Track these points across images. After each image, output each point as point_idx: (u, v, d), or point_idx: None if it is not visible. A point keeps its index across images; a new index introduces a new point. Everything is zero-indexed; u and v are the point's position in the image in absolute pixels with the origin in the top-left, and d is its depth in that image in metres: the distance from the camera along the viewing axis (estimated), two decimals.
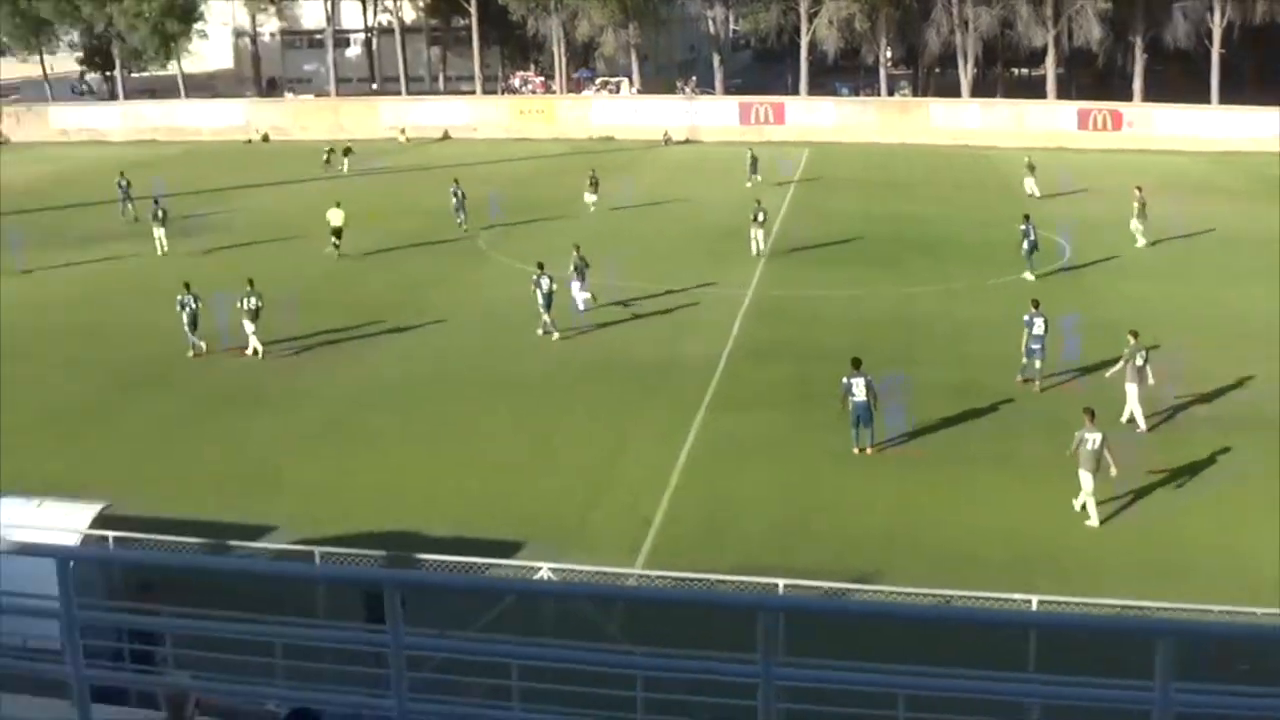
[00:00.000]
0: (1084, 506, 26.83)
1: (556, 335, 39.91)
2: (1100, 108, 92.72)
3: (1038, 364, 35.29)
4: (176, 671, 17.23)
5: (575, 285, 42.47)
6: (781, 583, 20.22)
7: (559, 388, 35.21)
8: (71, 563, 8.46)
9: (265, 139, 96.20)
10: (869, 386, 30.25)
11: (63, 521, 21.33)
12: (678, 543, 25.92)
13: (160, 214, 53.88)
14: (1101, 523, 26.51)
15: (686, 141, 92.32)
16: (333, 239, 53.06)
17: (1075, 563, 24.98)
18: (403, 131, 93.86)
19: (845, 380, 30.54)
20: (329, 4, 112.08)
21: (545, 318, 40.07)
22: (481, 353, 38.47)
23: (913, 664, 15.34)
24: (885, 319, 42.17)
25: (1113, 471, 26.61)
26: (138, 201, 59.82)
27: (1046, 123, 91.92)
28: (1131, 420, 31.97)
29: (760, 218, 53.06)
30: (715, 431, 31.90)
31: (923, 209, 63.51)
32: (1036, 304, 36.10)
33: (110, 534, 21.93)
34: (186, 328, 38.46)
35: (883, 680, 15.70)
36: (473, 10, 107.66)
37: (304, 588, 20.88)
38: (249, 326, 38.22)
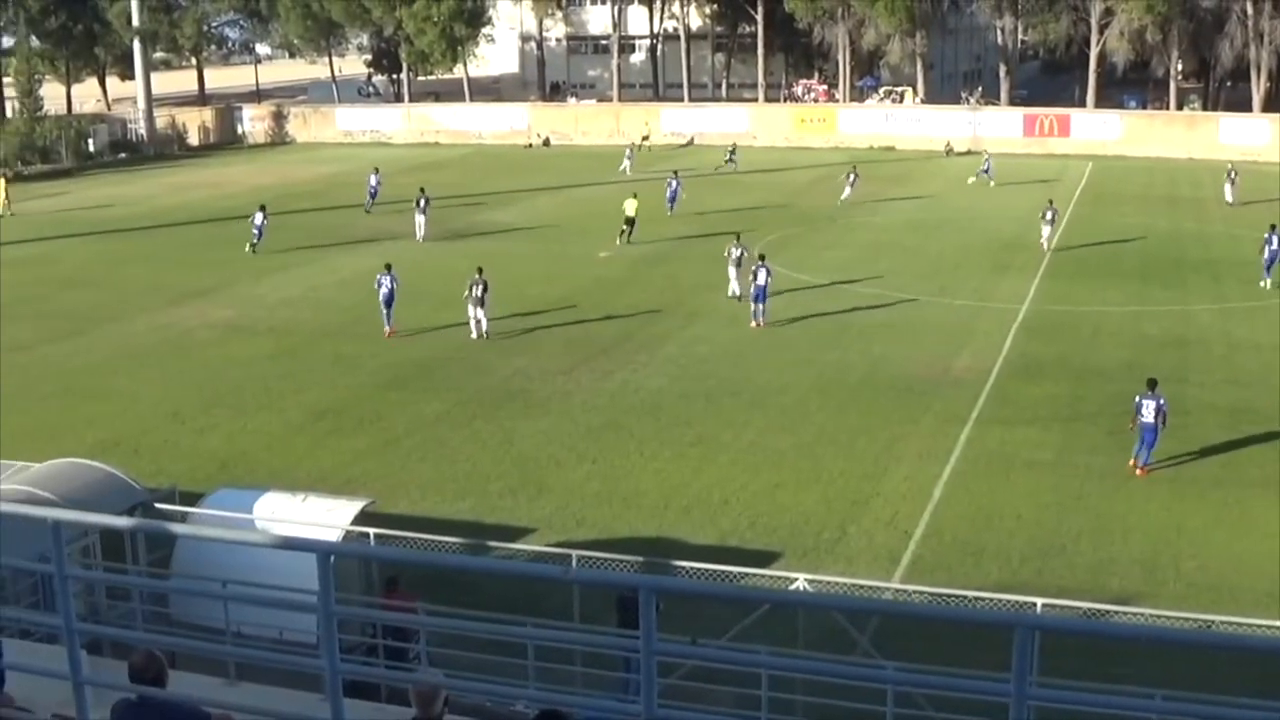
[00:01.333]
0: None
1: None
2: None
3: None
4: (428, 669, 17.81)
5: (733, 272, 45.25)
6: (1040, 601, 19.98)
7: (825, 399, 35.20)
8: (332, 558, 8.61)
9: (546, 143, 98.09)
10: (1159, 410, 29.66)
11: (326, 517, 21.72)
12: (937, 558, 25.80)
13: (423, 202, 57.10)
14: None
15: (969, 153, 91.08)
16: (624, 227, 55.69)
17: None
18: (645, 139, 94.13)
19: (1137, 399, 30.04)
20: (615, 9, 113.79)
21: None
22: (749, 362, 38.65)
23: (1168, 689, 15.19)
24: (1161, 337, 41.15)
25: None
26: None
27: None
28: None
29: (1050, 216, 54.12)
30: (981, 447, 31.58)
31: (1206, 226, 61.64)
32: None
33: (371, 530, 22.39)
34: (382, 306, 41.16)
35: (1140, 705, 15.54)
36: (759, 17, 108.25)
37: (559, 590, 21.44)
38: (473, 311, 40.74)
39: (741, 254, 45.39)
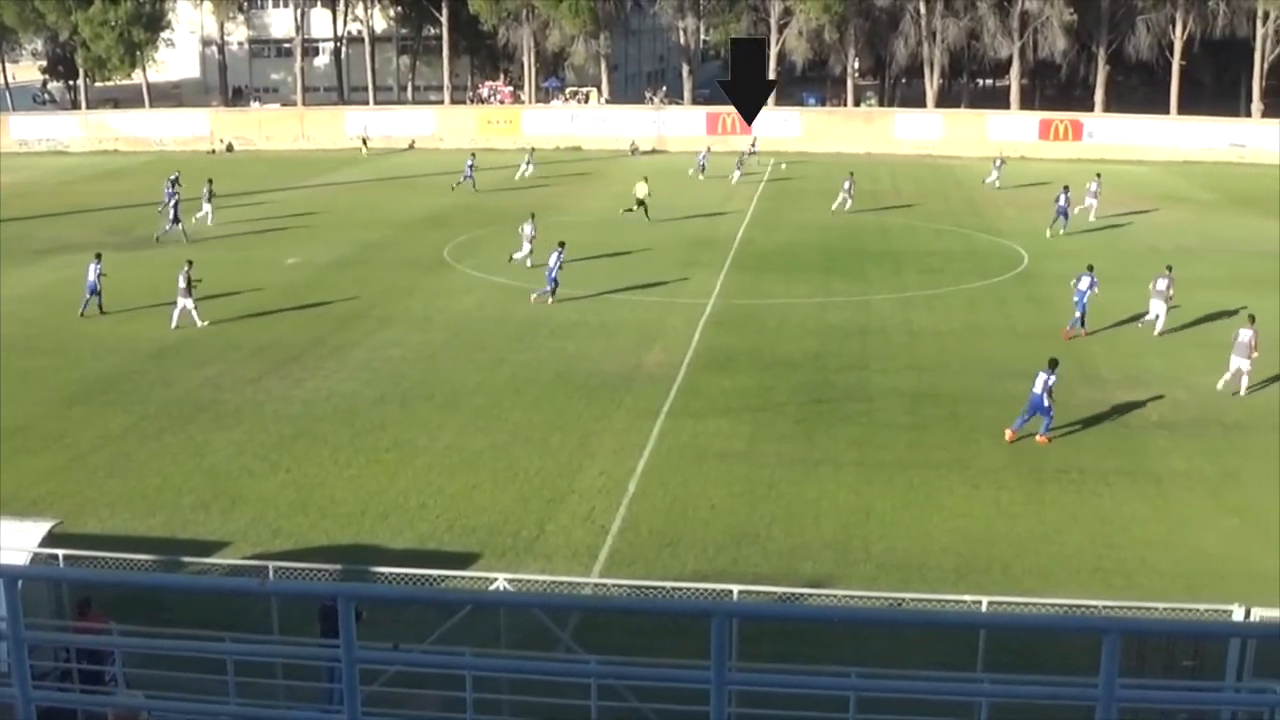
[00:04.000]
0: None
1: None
2: (1061, 118, 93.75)
3: (1077, 314, 41.25)
4: (127, 691, 17.26)
5: (526, 246, 50.87)
6: (736, 589, 20.38)
7: (519, 398, 35.26)
8: (19, 582, 8.43)
9: (229, 149, 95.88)
10: (1047, 385, 31.45)
11: (10, 540, 20.79)
12: (634, 550, 26.10)
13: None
14: (1049, 526, 26.94)
15: (654, 151, 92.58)
16: (632, 207, 61.19)
17: (1025, 566, 25.34)
18: (364, 142, 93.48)
19: (1036, 373, 31.95)
20: (298, 12, 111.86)
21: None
22: (443, 364, 38.48)
23: (865, 666, 15.69)
24: (845, 327, 42.54)
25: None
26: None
27: (1008, 133, 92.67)
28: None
29: (848, 185, 64.49)
30: (674, 440, 32.07)
31: (884, 219, 63.99)
32: (1091, 267, 42.29)
33: (60, 552, 21.63)
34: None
35: (834, 683, 16.00)
36: (444, 19, 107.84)
37: (257, 603, 21.02)
38: (183, 301, 41.91)
39: (532, 232, 50.93)
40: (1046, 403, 31.67)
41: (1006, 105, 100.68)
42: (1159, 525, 27.34)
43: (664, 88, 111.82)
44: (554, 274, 44.96)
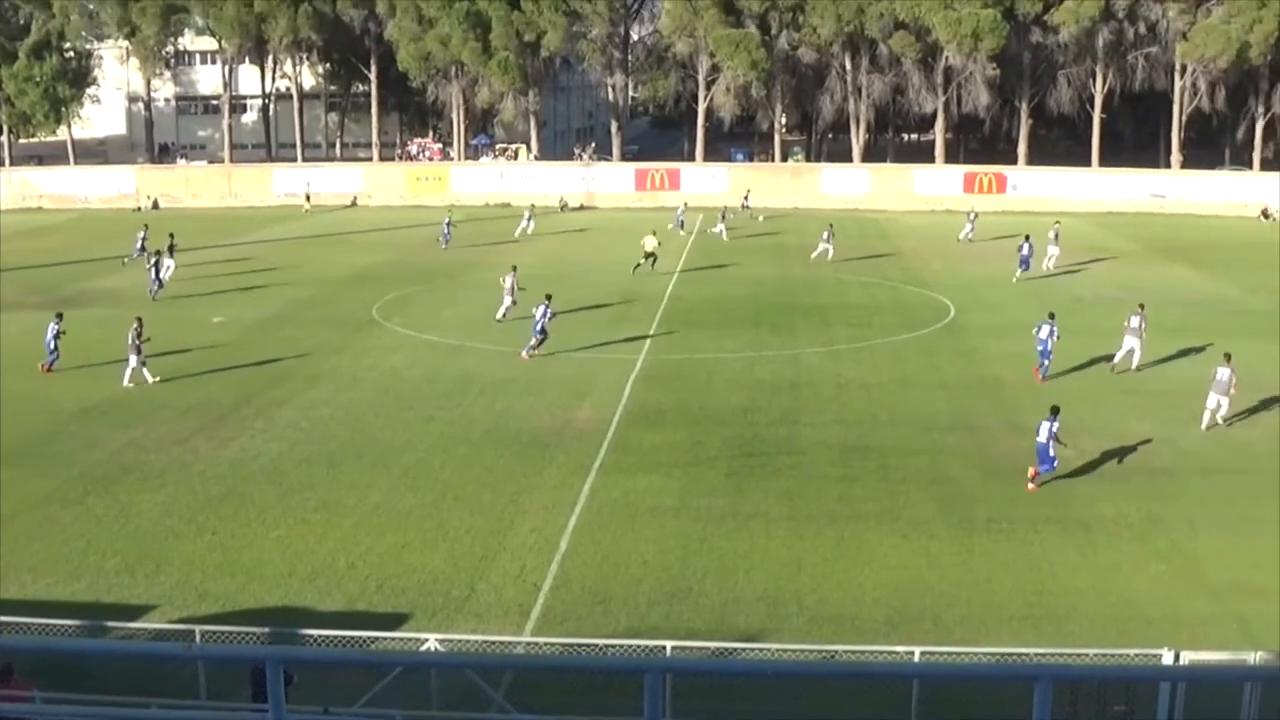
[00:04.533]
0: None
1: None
2: (986, 171, 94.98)
3: (1045, 361, 42.37)
4: None
5: (507, 299, 51.14)
6: (669, 644, 20.33)
7: (449, 456, 35.06)
8: None
9: (155, 205, 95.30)
10: (1051, 433, 32.01)
11: None
12: (566, 608, 25.94)
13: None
14: (979, 575, 27.06)
15: (582, 208, 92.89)
16: (641, 260, 61.79)
17: (956, 616, 25.40)
18: (307, 199, 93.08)
19: (1039, 423, 32.66)
20: (226, 69, 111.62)
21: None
22: (371, 422, 38.24)
23: None
24: (774, 381, 42.67)
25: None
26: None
27: (934, 186, 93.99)
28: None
29: (827, 236, 66.97)
30: (605, 496, 31.97)
31: (812, 273, 64.37)
32: (1052, 315, 43.13)
33: None
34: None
35: None
36: (372, 76, 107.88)
37: (184, 668, 20.70)
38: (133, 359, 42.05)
39: (513, 284, 51.40)
40: (1052, 451, 32.15)
41: (931, 159, 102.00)
42: (1088, 572, 27.50)
43: (593, 144, 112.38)
44: (540, 325, 45.07)
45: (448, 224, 73.74)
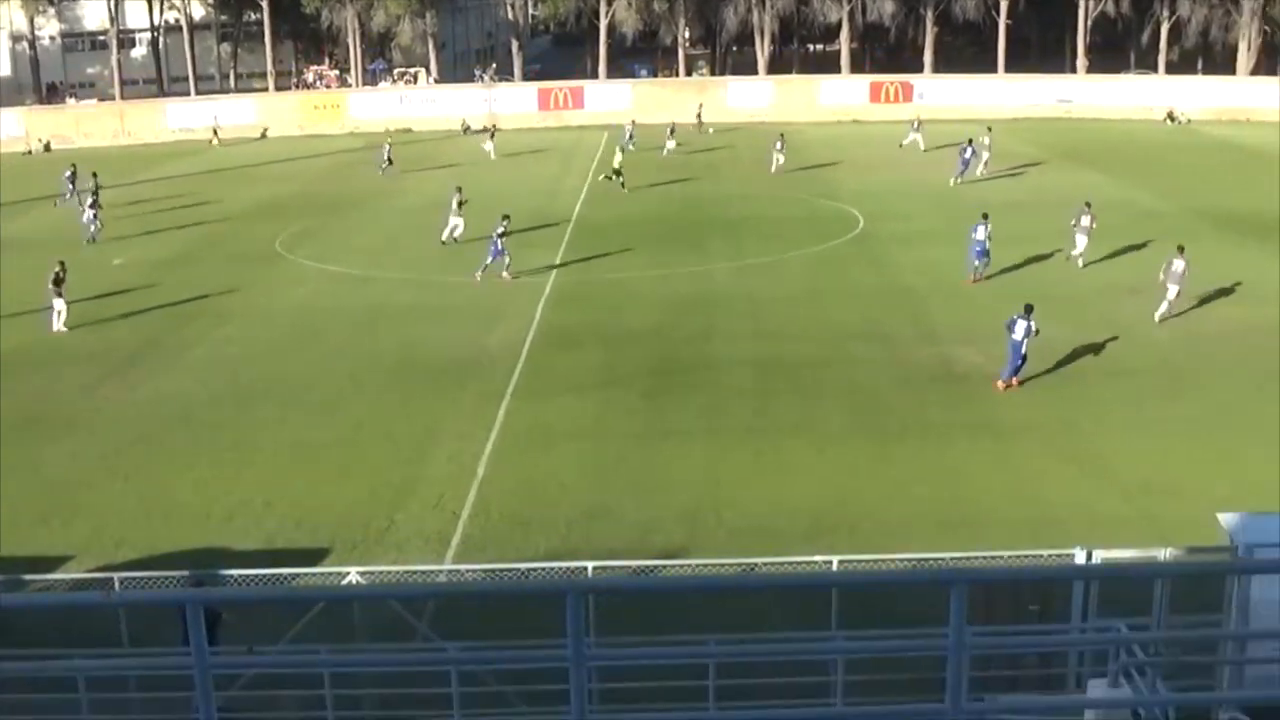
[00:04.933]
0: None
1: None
2: (892, 80, 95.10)
3: (976, 263, 43.12)
4: None
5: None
6: (590, 565, 20.36)
7: (362, 388, 34.84)
8: None
9: (47, 148, 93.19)
10: (1028, 330, 32.36)
11: None
12: (486, 535, 25.94)
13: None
14: (896, 483, 27.35)
15: (484, 129, 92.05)
16: (611, 175, 63.39)
17: (874, 524, 25.66)
18: (215, 134, 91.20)
19: (1011, 318, 32.73)
20: (112, 3, 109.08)
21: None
22: (281, 358, 37.89)
23: (722, 633, 15.76)
24: (688, 298, 42.69)
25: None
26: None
27: (839, 97, 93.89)
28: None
29: (779, 145, 67.35)
30: (521, 421, 31.91)
31: (720, 188, 64.35)
32: (985, 215, 43.37)
33: None
34: None
35: (692, 652, 16.06)
36: (264, 4, 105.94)
37: (105, 617, 20.48)
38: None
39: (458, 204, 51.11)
40: (1024, 349, 32.62)
41: (837, 70, 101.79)
42: (1002, 476, 27.86)
43: (494, 65, 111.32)
44: (498, 244, 45.21)
45: (387, 149, 72.68)
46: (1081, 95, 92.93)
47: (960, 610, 7.21)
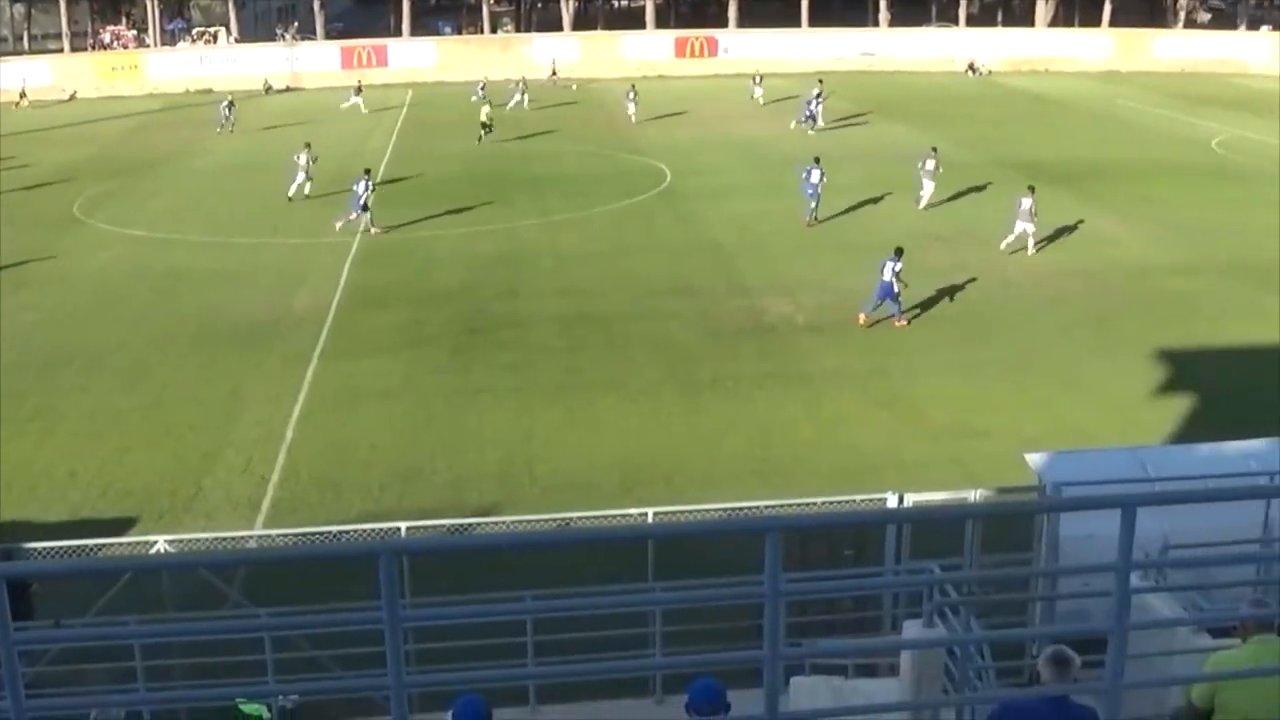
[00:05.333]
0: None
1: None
2: (696, 35, 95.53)
3: (812, 205, 44.29)
4: None
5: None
6: (403, 525, 20.22)
7: (165, 353, 34.05)
8: None
9: None
10: (896, 272, 33.52)
11: None
12: (297, 498, 25.62)
13: None
14: (708, 434, 27.60)
15: (288, 89, 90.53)
16: (484, 131, 63.84)
17: (687, 475, 25.85)
18: (23, 95, 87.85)
19: (881, 261, 33.91)
20: None
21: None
22: (81, 324, 36.88)
23: (539, 589, 15.78)
24: (494, 255, 42.50)
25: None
26: None
27: (644, 52, 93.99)
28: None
29: (632, 96, 69.53)
30: (329, 382, 31.52)
31: (527, 145, 64.15)
32: (817, 159, 44.82)
33: None
34: None
35: (509, 609, 16.05)
36: None
37: None
38: None
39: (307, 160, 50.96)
40: (896, 288, 33.51)
41: (643, 25, 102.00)
42: (813, 424, 28.26)
43: (295, 23, 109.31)
44: (362, 200, 44.89)
45: (228, 105, 71.46)
46: (884, 48, 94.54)
47: (775, 557, 7.29)
